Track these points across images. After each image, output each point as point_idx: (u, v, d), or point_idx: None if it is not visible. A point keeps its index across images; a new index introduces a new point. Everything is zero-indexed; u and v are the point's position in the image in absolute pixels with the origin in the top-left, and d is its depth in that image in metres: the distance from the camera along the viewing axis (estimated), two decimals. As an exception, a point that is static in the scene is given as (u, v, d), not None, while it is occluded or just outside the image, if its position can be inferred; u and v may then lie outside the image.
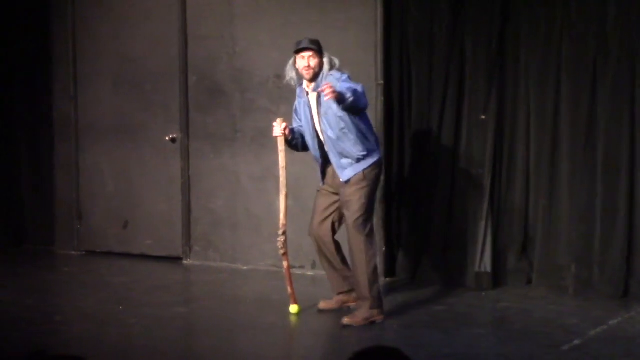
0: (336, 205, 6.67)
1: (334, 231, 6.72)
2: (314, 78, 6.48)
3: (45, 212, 9.34)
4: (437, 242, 7.72)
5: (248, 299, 7.42)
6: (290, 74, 6.57)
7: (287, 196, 6.74)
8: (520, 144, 7.51)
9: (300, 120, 6.67)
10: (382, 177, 7.20)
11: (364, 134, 6.47)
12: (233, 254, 8.49)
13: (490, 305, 7.16)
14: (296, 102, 6.73)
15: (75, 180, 9.13)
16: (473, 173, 7.58)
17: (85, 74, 9.04)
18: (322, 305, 6.86)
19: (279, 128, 6.59)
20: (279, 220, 6.78)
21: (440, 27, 7.61)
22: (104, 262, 8.77)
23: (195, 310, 7.21)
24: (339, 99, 6.10)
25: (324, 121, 6.46)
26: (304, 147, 6.73)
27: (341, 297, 6.84)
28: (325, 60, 6.47)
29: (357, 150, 6.44)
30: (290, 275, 6.76)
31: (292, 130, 6.67)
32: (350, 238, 6.49)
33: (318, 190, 6.79)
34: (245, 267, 8.40)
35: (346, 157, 6.47)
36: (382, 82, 7.73)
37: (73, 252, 9.16)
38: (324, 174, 6.70)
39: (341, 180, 6.50)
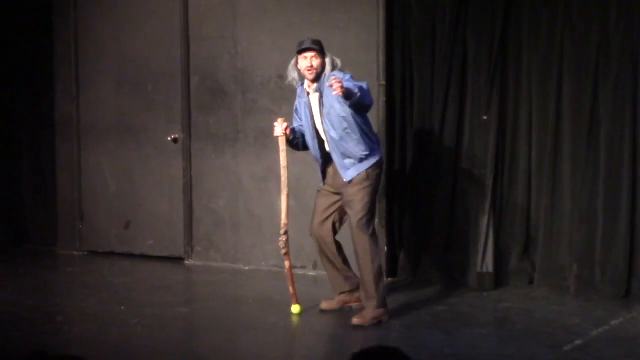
0: (337, 205, 6.67)
1: (334, 231, 6.73)
2: (316, 78, 6.48)
3: (47, 212, 9.35)
4: (439, 241, 7.72)
5: (249, 298, 7.42)
6: (292, 74, 6.57)
7: (288, 196, 6.74)
8: (521, 143, 7.51)
9: (301, 119, 6.67)
10: (384, 177, 7.21)
11: (366, 134, 6.48)
12: (234, 254, 8.50)
13: (491, 305, 7.16)
14: (296, 102, 6.73)
15: (77, 180, 9.13)
16: (475, 173, 7.58)
17: (87, 74, 9.04)
18: (324, 305, 6.86)
19: (280, 128, 6.59)
20: (280, 220, 6.78)
21: (442, 28, 7.61)
22: (106, 262, 8.77)
23: (196, 310, 7.21)
24: (347, 94, 6.10)
25: (327, 121, 6.46)
26: (305, 147, 6.73)
27: (342, 297, 6.84)
28: (327, 60, 6.47)
29: (359, 149, 6.44)
30: (292, 275, 6.76)
31: (292, 130, 6.67)
32: (354, 238, 6.49)
33: (318, 190, 6.79)
34: (246, 267, 8.40)
35: (349, 157, 6.47)
36: (383, 82, 7.73)
37: (75, 252, 9.17)
38: (324, 173, 6.70)
39: (344, 180, 6.50)
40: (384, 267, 7.59)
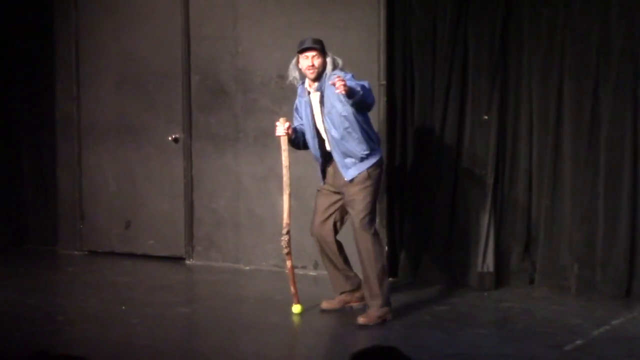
0: (337, 204, 6.67)
1: (335, 231, 6.73)
2: (317, 77, 6.48)
3: (48, 212, 9.35)
4: (439, 241, 7.72)
5: (250, 298, 7.42)
6: (293, 74, 6.58)
7: (290, 196, 6.74)
8: (522, 143, 7.51)
9: (301, 118, 6.68)
10: (384, 177, 7.21)
11: (367, 133, 6.48)
12: (235, 254, 8.49)
13: (492, 305, 7.16)
14: (297, 101, 6.73)
15: (78, 180, 9.13)
16: (475, 173, 7.58)
17: (87, 74, 9.04)
18: (325, 305, 6.86)
19: (282, 127, 6.59)
20: (282, 219, 6.78)
21: (443, 27, 7.60)
22: (107, 262, 8.77)
23: (197, 310, 7.21)
24: (350, 93, 6.10)
25: (328, 120, 6.46)
26: (305, 145, 6.73)
27: (343, 297, 6.85)
28: (329, 60, 6.48)
29: (360, 149, 6.44)
30: (293, 275, 6.76)
31: (295, 130, 6.67)
32: (357, 237, 6.50)
33: (318, 190, 6.80)
34: (247, 267, 8.40)
35: (350, 156, 6.47)
36: (384, 82, 7.73)
37: (75, 252, 9.16)
38: (324, 173, 6.70)
39: (345, 179, 6.50)
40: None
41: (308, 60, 6.46)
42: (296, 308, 6.79)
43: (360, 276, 6.71)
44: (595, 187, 7.18)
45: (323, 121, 6.50)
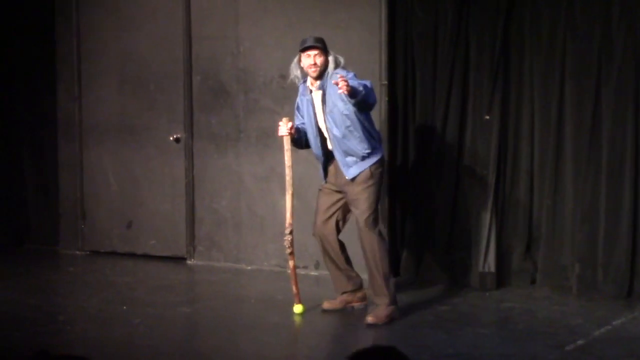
0: (339, 203, 6.67)
1: (338, 230, 6.73)
2: (319, 76, 6.48)
3: (49, 211, 9.35)
4: (441, 241, 7.72)
5: (252, 298, 7.42)
6: (295, 72, 6.58)
7: (293, 195, 6.74)
8: (524, 143, 7.51)
9: (303, 117, 6.67)
10: (386, 177, 7.21)
11: (368, 132, 6.48)
12: (237, 254, 8.49)
13: (493, 305, 7.16)
14: (298, 99, 6.73)
15: (79, 180, 9.13)
16: (477, 173, 7.58)
17: (89, 74, 9.04)
18: (326, 305, 6.86)
19: (285, 127, 6.59)
20: (284, 219, 6.78)
21: (445, 27, 7.60)
22: (108, 262, 8.77)
23: (199, 310, 7.21)
24: (352, 93, 6.10)
25: (329, 119, 6.46)
26: (307, 144, 6.73)
27: (345, 297, 6.84)
28: (331, 58, 6.48)
29: (362, 148, 6.44)
30: (295, 274, 6.76)
31: (297, 129, 6.67)
32: (362, 237, 6.49)
33: (320, 189, 6.79)
34: (249, 267, 8.40)
35: (351, 155, 6.47)
36: (386, 82, 7.73)
37: (77, 252, 9.17)
38: (325, 172, 6.70)
39: (347, 178, 6.50)
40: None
41: (310, 59, 6.46)
42: (298, 308, 6.79)
43: (362, 276, 6.70)
44: (597, 187, 7.18)
45: (325, 120, 6.50)
